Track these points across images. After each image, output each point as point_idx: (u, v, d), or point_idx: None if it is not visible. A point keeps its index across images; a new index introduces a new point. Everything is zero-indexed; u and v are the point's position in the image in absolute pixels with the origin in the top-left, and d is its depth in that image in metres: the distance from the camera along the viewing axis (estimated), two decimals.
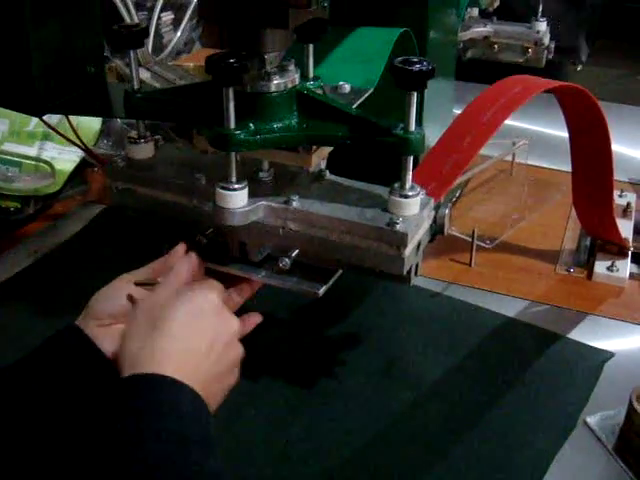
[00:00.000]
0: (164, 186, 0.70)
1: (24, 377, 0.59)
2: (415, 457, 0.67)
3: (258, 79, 0.62)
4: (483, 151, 1.09)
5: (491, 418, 0.70)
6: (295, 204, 0.64)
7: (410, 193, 0.62)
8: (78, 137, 0.77)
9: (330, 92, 0.71)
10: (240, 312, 0.67)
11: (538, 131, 1.22)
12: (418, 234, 0.63)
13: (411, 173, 0.62)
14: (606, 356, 0.78)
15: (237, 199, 0.63)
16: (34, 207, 0.99)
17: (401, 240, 0.61)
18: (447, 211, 0.67)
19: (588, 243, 0.97)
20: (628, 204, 1.01)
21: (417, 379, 0.75)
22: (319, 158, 0.65)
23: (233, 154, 0.61)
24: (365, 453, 0.67)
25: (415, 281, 0.85)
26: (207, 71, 0.58)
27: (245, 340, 0.63)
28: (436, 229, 0.67)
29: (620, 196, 1.05)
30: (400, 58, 0.59)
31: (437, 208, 0.67)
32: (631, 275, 0.91)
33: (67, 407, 0.58)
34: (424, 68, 0.58)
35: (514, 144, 1.11)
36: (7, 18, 0.67)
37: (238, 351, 0.61)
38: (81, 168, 1.04)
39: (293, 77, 0.63)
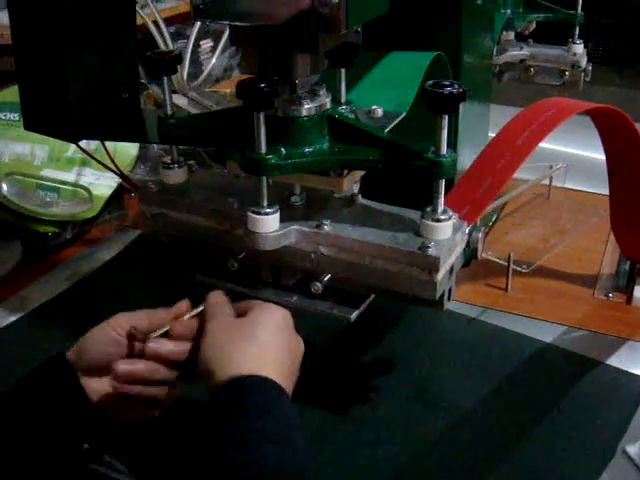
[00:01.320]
0: (196, 211, 0.70)
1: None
2: None
3: (289, 103, 0.62)
4: (520, 175, 1.09)
5: (526, 447, 0.69)
6: (327, 228, 0.64)
7: (442, 217, 0.62)
8: (114, 162, 0.77)
9: (363, 116, 0.71)
10: None
11: (576, 154, 1.21)
12: (451, 258, 0.63)
13: (443, 197, 0.61)
14: None
15: (269, 223, 0.63)
16: (71, 232, 1.00)
17: (433, 264, 0.60)
18: (480, 235, 0.66)
19: (627, 267, 0.95)
20: None
21: (450, 406, 0.74)
22: (350, 182, 0.65)
23: (264, 178, 0.62)
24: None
25: (449, 306, 0.85)
26: (238, 96, 0.59)
27: None
28: (470, 253, 0.66)
29: None
30: (431, 81, 0.59)
31: (471, 232, 0.66)
32: None
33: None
34: (455, 91, 0.57)
35: (551, 167, 1.10)
36: (46, 46, 0.68)
37: (298, 369, 0.61)
38: (118, 193, 1.05)
39: (324, 101, 0.64)
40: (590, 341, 0.83)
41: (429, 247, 0.60)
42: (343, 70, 0.70)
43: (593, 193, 1.12)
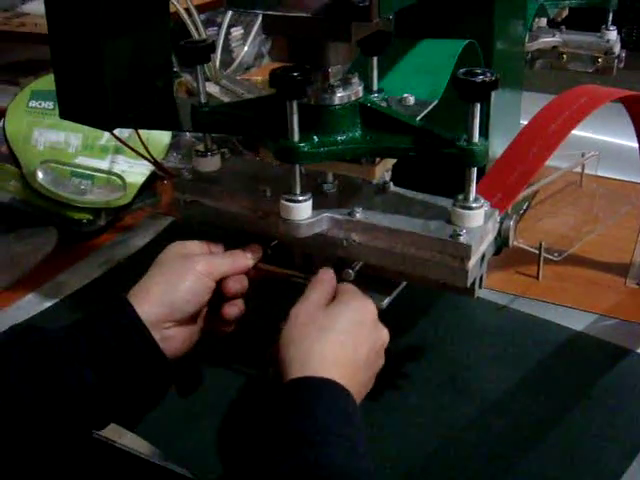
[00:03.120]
0: (230, 198, 0.71)
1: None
2: (477, 473, 0.66)
3: (322, 92, 0.63)
4: (551, 163, 1.08)
5: (556, 434, 0.69)
6: (359, 216, 0.64)
7: (474, 205, 0.62)
8: (147, 150, 0.78)
9: (395, 104, 0.71)
10: None
11: (608, 142, 1.20)
12: (482, 246, 0.63)
13: (475, 184, 0.62)
14: None
15: (301, 211, 0.63)
16: (105, 219, 1.02)
17: (465, 252, 0.60)
18: (512, 223, 0.66)
19: None
20: None
21: (481, 393, 0.74)
22: (382, 170, 0.66)
23: (297, 166, 0.62)
24: (426, 468, 0.66)
25: (480, 293, 0.85)
26: (271, 85, 0.59)
27: None
28: (501, 241, 0.67)
29: None
30: (463, 69, 0.59)
31: (502, 220, 0.66)
32: None
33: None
34: (487, 79, 0.57)
35: (583, 155, 1.09)
36: (81, 34, 0.69)
37: (382, 360, 0.63)
38: (151, 181, 1.06)
39: (357, 89, 0.64)
40: (621, 329, 0.82)
41: (460, 235, 0.60)
42: (375, 58, 0.70)
43: (626, 181, 1.11)
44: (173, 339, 0.65)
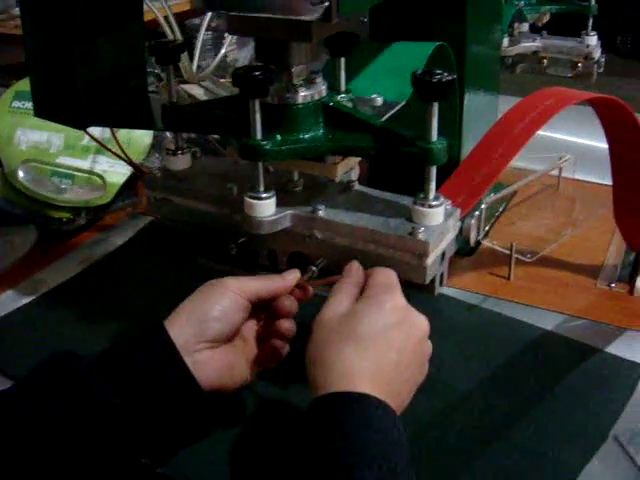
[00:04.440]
0: (198, 196, 0.72)
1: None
2: (440, 467, 0.67)
3: (285, 91, 0.64)
4: (529, 165, 1.10)
5: (519, 430, 0.70)
6: (321, 213, 0.65)
7: (433, 203, 0.63)
8: (122, 149, 0.80)
9: (362, 105, 0.73)
10: None
11: (586, 144, 1.20)
12: (442, 244, 0.64)
13: (434, 183, 0.63)
14: None
15: (265, 208, 0.65)
16: (85, 218, 1.03)
17: (423, 249, 0.61)
18: (473, 222, 0.67)
19: (632, 259, 0.95)
20: None
21: (447, 389, 0.74)
22: (344, 168, 0.67)
23: (261, 164, 0.63)
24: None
25: (450, 292, 0.87)
26: (234, 84, 0.61)
27: None
28: (462, 240, 0.68)
29: None
30: (422, 70, 0.60)
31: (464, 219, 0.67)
32: None
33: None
34: (443, 79, 0.58)
35: (560, 159, 1.10)
36: (53, 34, 0.71)
37: (426, 348, 0.61)
38: (132, 181, 1.07)
39: (320, 89, 0.65)
40: (590, 329, 0.83)
41: (419, 232, 0.61)
42: (342, 59, 0.72)
43: (602, 184, 1.11)
44: (206, 365, 0.59)
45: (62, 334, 0.84)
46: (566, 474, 0.66)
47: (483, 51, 0.95)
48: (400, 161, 0.62)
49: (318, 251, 0.67)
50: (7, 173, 1.00)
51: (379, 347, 0.56)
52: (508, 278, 0.92)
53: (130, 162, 0.81)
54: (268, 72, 0.60)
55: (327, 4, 0.56)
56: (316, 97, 0.65)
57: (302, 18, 0.57)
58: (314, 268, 0.67)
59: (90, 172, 1.04)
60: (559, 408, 0.72)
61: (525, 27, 1.26)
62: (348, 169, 0.68)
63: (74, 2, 0.68)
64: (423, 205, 0.63)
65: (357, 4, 0.60)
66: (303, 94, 0.64)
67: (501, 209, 1.07)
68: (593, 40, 1.22)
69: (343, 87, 0.72)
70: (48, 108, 0.76)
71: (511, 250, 0.91)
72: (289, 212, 0.66)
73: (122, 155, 0.80)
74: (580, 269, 0.94)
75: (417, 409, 0.72)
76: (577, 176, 1.13)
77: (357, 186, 0.70)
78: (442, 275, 0.67)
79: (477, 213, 0.67)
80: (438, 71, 0.60)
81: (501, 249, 0.93)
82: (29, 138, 1.05)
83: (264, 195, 0.64)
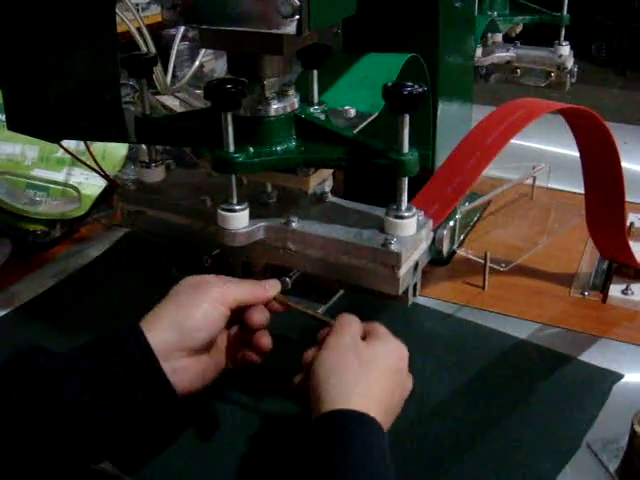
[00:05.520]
0: (172, 208, 0.72)
1: None
2: (414, 476, 0.67)
3: (257, 104, 0.64)
4: (503, 175, 1.11)
5: (492, 439, 0.70)
6: (294, 225, 0.66)
7: (406, 214, 0.63)
8: (96, 161, 0.80)
9: (335, 116, 0.73)
10: None
11: (560, 153, 1.22)
12: (414, 254, 0.64)
13: (406, 194, 0.63)
14: (615, 378, 0.77)
15: (238, 220, 0.65)
16: (60, 230, 1.02)
17: (395, 260, 0.62)
18: (446, 232, 0.68)
19: (605, 267, 0.96)
20: None
21: (422, 399, 0.75)
22: (317, 180, 0.67)
23: (233, 176, 0.64)
24: None
25: (425, 302, 0.87)
26: (205, 97, 0.61)
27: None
28: (435, 250, 0.68)
29: None
30: (392, 82, 0.60)
31: (436, 230, 0.68)
32: None
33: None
34: (414, 91, 0.59)
35: (534, 168, 1.11)
36: (25, 48, 0.71)
37: (407, 374, 0.65)
38: (108, 192, 1.07)
39: (292, 102, 0.65)
40: (563, 338, 0.84)
41: (391, 243, 0.62)
42: (315, 71, 0.72)
43: (576, 193, 1.12)
44: (185, 371, 0.60)
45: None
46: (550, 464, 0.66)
47: (456, 61, 0.96)
48: (372, 173, 0.63)
49: (292, 263, 0.67)
50: None
51: (385, 385, 0.60)
52: (483, 287, 0.92)
53: (104, 175, 0.81)
54: (240, 85, 0.60)
55: (298, 17, 0.56)
56: (288, 109, 0.65)
57: (273, 31, 0.58)
58: (288, 279, 0.68)
59: (65, 184, 1.04)
60: (533, 417, 0.73)
61: (499, 37, 1.27)
62: (321, 181, 0.68)
63: (46, 16, 0.68)
64: (395, 216, 0.63)
65: (328, 17, 0.60)
66: (275, 106, 0.64)
67: (476, 218, 1.07)
68: (566, 50, 1.23)
69: (316, 99, 0.73)
70: (21, 122, 0.76)
71: (485, 259, 0.91)
72: (262, 224, 0.66)
73: (96, 167, 0.80)
74: (554, 278, 0.95)
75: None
76: (551, 185, 1.14)
77: (330, 197, 0.70)
78: (415, 285, 0.67)
79: (450, 224, 0.68)
80: (409, 83, 0.60)
81: (476, 258, 0.94)
82: (2, 150, 1.04)
83: (237, 207, 0.64)
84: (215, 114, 0.62)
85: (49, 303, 0.92)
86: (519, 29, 1.26)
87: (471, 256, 0.95)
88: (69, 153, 0.79)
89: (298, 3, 0.56)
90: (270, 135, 0.64)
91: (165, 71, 1.04)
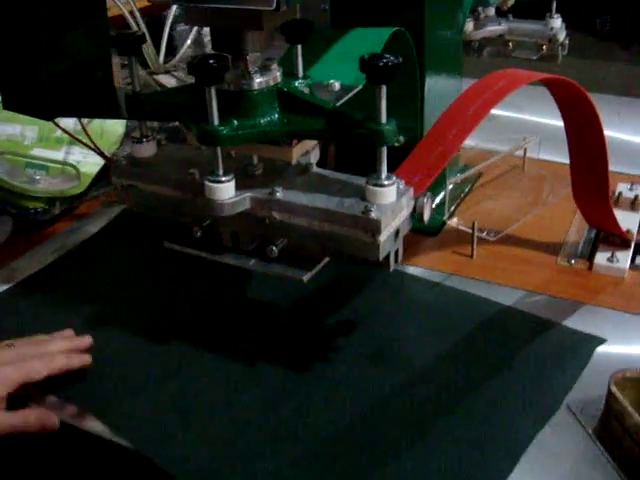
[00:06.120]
0: (162, 182, 0.74)
1: None
2: (399, 436, 0.69)
3: (241, 78, 0.66)
4: (495, 146, 1.13)
5: (475, 401, 0.73)
6: (278, 195, 0.68)
7: (386, 182, 0.65)
8: (91, 140, 0.82)
9: (320, 89, 0.75)
10: (241, 303, 0.81)
11: (551, 125, 1.22)
12: (395, 222, 0.66)
13: (385, 163, 0.65)
14: (597, 342, 0.79)
15: (224, 191, 0.67)
16: (60, 208, 1.05)
17: (375, 227, 0.64)
18: (426, 200, 0.69)
19: (593, 236, 0.98)
20: (636, 197, 1.02)
21: (407, 364, 0.77)
22: (300, 151, 0.69)
23: (219, 149, 0.66)
24: (351, 432, 0.70)
25: (407, 269, 0.90)
26: (189, 72, 0.63)
27: (247, 328, 0.74)
28: (417, 218, 0.70)
29: (630, 189, 1.06)
30: (369, 54, 0.62)
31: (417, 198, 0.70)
32: (632, 266, 0.91)
33: None
34: (389, 62, 0.61)
35: (525, 140, 1.13)
36: (18, 28, 0.73)
37: None
38: (106, 170, 1.09)
39: (275, 75, 0.67)
40: (548, 305, 0.86)
41: (371, 211, 0.64)
42: (299, 46, 0.74)
43: (566, 164, 1.14)
44: None
45: (39, 320, 0.86)
46: (518, 441, 0.68)
47: (444, 35, 0.97)
48: (353, 143, 0.65)
49: (277, 231, 0.69)
50: None
51: None
52: (471, 256, 0.94)
53: (100, 152, 0.83)
54: (222, 60, 0.62)
55: None
56: (271, 83, 0.67)
57: (253, 7, 0.60)
58: (274, 248, 0.70)
59: (64, 163, 1.06)
60: (514, 380, 0.75)
61: (491, 11, 1.29)
62: (304, 152, 0.70)
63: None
64: (375, 185, 0.65)
65: None
66: (258, 80, 0.66)
67: (467, 190, 1.09)
68: (557, 22, 1.25)
69: (301, 73, 0.75)
70: (16, 101, 0.78)
71: (473, 229, 0.93)
72: (248, 195, 0.68)
73: (92, 145, 0.82)
74: (542, 247, 0.97)
75: (378, 383, 0.75)
76: (542, 156, 1.15)
77: (315, 169, 0.72)
78: (397, 252, 0.69)
79: (429, 192, 0.70)
80: (386, 55, 0.62)
81: (465, 228, 0.96)
82: (2, 131, 1.07)
83: (223, 179, 0.66)
84: (200, 89, 0.64)
85: (48, 278, 0.95)
86: (511, 2, 1.27)
87: (461, 226, 0.97)
88: (65, 132, 0.81)
89: None
90: (253, 108, 0.66)
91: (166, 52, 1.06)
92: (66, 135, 1.04)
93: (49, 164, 1.06)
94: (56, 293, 0.92)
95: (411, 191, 0.69)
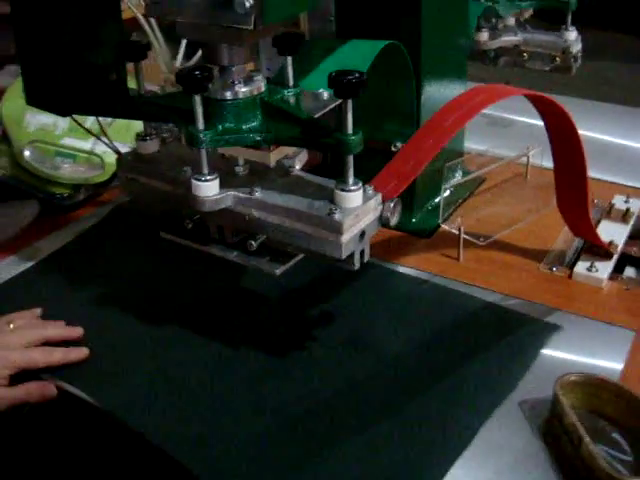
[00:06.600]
0: (159, 177, 0.82)
1: None
2: (367, 415, 0.76)
3: (226, 88, 0.73)
4: (508, 153, 1.16)
5: (440, 384, 0.79)
6: (257, 194, 0.74)
7: (352, 187, 0.71)
8: (105, 133, 0.90)
9: (309, 99, 0.81)
10: (230, 292, 0.90)
11: None
12: (359, 224, 0.72)
13: (352, 170, 0.71)
14: (552, 329, 0.86)
15: (208, 189, 0.74)
16: (84, 194, 1.14)
17: (337, 228, 0.70)
18: (392, 205, 0.75)
19: (580, 245, 1.02)
20: (627, 210, 1.06)
21: (380, 350, 0.84)
22: (278, 156, 0.76)
23: (203, 150, 0.73)
24: (326, 409, 0.77)
25: (393, 267, 0.95)
26: (177, 82, 0.70)
27: (234, 315, 0.85)
28: (384, 221, 0.76)
29: (625, 202, 1.09)
30: (337, 71, 0.68)
31: (387, 203, 0.76)
32: (613, 277, 0.95)
33: None
34: (353, 79, 0.67)
35: (528, 148, 1.17)
36: (39, 31, 0.81)
37: None
38: None
39: (259, 86, 0.74)
40: (520, 307, 0.90)
41: (335, 213, 0.70)
42: (289, 57, 0.80)
43: None
44: None
45: (60, 296, 0.96)
46: (479, 416, 0.76)
47: (443, 46, 1.02)
48: (322, 150, 0.71)
49: (255, 228, 0.76)
50: (15, 153, 1.12)
51: None
52: (458, 259, 1.00)
53: (112, 147, 0.91)
54: (206, 71, 0.69)
55: (253, 16, 0.65)
56: (255, 93, 0.74)
57: (235, 25, 0.67)
58: (253, 242, 0.77)
59: (90, 152, 1.15)
60: (473, 368, 0.82)
61: (511, 21, 1.32)
62: (283, 156, 0.77)
63: (60, 6, 0.78)
64: (342, 189, 0.71)
65: (280, 14, 0.68)
66: (242, 90, 0.73)
67: (466, 195, 1.14)
68: (572, 35, 1.28)
69: (292, 82, 0.81)
70: (37, 97, 0.87)
71: (459, 232, 0.98)
72: (230, 193, 0.75)
73: (108, 142, 0.90)
74: (529, 253, 1.01)
75: (352, 366, 0.83)
76: (546, 164, 1.19)
77: (295, 172, 0.78)
78: (362, 251, 0.75)
79: (396, 198, 0.75)
80: (351, 71, 0.68)
81: (455, 232, 1.01)
82: (38, 120, 1.16)
83: (208, 177, 0.73)
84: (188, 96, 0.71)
85: (68, 257, 1.04)
86: (528, 14, 1.30)
87: (453, 230, 1.02)
88: (80, 126, 0.89)
89: (252, 2, 0.64)
90: (236, 115, 0.73)
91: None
92: (95, 127, 1.13)
93: (77, 153, 1.15)
94: (75, 271, 1.01)
95: (379, 196, 0.74)
